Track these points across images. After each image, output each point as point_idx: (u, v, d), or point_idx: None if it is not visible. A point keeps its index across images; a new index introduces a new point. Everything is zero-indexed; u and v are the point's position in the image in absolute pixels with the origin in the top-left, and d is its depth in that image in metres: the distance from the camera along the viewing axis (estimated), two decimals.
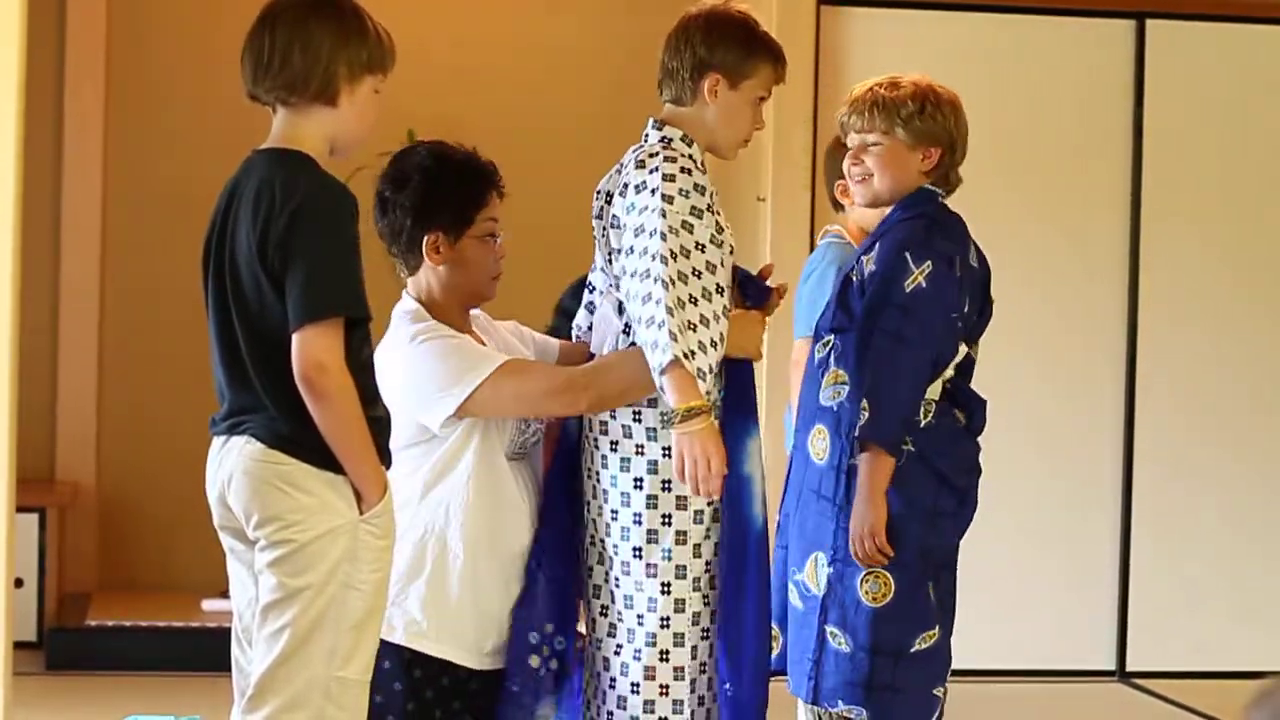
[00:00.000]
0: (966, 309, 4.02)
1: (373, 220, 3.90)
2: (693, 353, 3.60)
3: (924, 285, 3.93)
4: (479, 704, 3.87)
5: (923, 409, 3.97)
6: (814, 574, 4.01)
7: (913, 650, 3.97)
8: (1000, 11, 7.03)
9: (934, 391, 3.99)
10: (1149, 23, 7.05)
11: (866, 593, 3.95)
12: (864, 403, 3.91)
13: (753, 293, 3.93)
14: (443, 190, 3.89)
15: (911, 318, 3.92)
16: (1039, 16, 7.02)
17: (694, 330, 3.62)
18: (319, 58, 3.33)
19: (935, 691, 4.03)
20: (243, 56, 3.38)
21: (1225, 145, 7.12)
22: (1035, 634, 7.03)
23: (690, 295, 3.64)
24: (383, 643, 3.48)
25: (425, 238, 3.88)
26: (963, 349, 4.04)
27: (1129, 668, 7.04)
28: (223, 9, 7.20)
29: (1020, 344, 6.88)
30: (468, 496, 3.82)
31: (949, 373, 4.01)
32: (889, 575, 3.95)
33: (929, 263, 3.93)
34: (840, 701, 3.97)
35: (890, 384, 3.90)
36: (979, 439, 4.11)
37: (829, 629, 3.98)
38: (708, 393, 3.68)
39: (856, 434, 3.92)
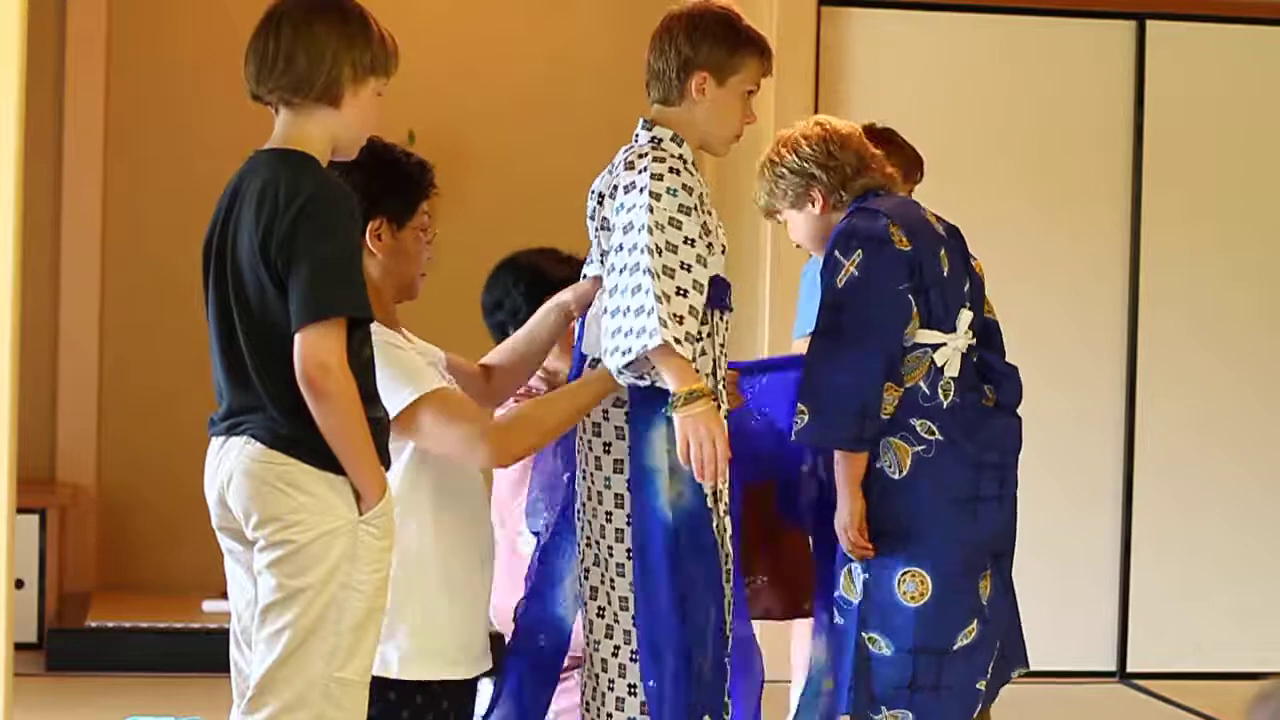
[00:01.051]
0: (945, 273, 3.98)
1: None
2: (679, 341, 3.60)
3: (855, 274, 3.92)
4: (453, 710, 3.84)
5: (941, 389, 3.95)
6: (850, 585, 3.98)
7: (955, 647, 3.94)
8: (1000, 12, 7.02)
9: (953, 368, 3.96)
10: (1149, 23, 7.05)
11: (905, 593, 3.92)
12: (800, 406, 3.89)
13: (714, 295, 3.86)
14: (390, 177, 3.82)
15: (844, 310, 3.91)
16: (1039, 17, 7.02)
17: (680, 323, 3.62)
18: (323, 59, 3.34)
19: (978, 685, 4.01)
20: (246, 57, 3.38)
21: (1225, 145, 7.12)
22: (1035, 634, 6.97)
23: (678, 288, 3.63)
24: None
25: (369, 224, 3.79)
26: (966, 314, 4.01)
27: (1129, 668, 7.04)
28: (223, 9, 7.22)
29: (1020, 343, 6.82)
30: (434, 510, 3.76)
31: (961, 344, 3.97)
32: (924, 574, 3.91)
33: (858, 251, 3.92)
34: (884, 708, 3.93)
35: (833, 381, 3.88)
36: (1019, 411, 4.05)
37: (868, 635, 3.93)
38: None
39: (793, 437, 3.91)
